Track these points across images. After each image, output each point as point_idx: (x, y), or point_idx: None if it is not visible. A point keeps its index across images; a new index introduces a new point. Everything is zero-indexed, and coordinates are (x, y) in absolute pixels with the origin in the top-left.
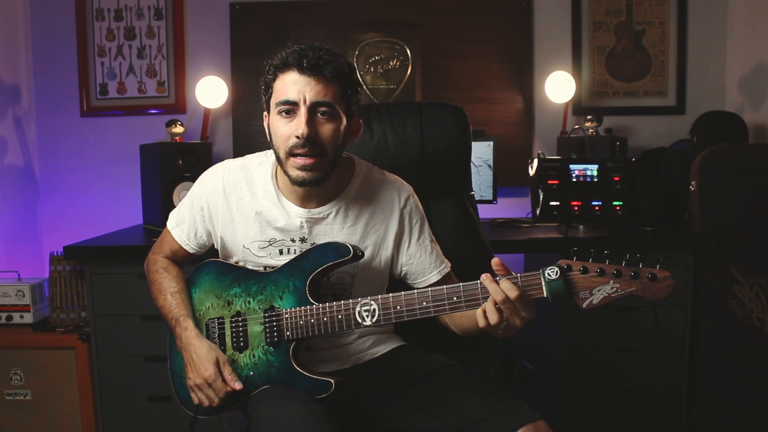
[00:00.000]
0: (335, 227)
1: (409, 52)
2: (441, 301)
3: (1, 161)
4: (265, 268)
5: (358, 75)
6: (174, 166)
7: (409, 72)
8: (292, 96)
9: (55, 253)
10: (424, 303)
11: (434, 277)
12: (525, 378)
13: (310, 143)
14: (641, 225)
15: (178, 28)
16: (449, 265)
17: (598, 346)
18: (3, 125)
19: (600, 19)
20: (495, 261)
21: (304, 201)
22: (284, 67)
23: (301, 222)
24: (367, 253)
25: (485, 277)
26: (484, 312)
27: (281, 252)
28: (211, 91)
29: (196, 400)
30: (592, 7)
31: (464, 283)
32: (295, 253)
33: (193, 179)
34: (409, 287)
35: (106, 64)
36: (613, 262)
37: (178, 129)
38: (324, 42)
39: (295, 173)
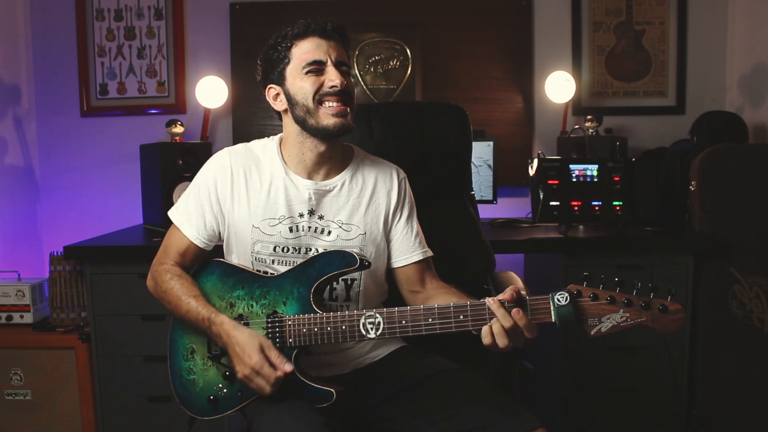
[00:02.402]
0: (341, 199)
1: (409, 52)
2: (447, 318)
3: (1, 161)
4: (275, 248)
5: (358, 75)
6: (174, 166)
7: (409, 72)
8: (320, 56)
9: (55, 253)
10: (430, 319)
11: (417, 257)
12: (525, 378)
13: (342, 92)
14: (641, 225)
15: (178, 28)
16: (431, 253)
17: (597, 346)
18: (3, 125)
19: (600, 19)
20: (511, 291)
21: (311, 174)
22: (305, 34)
23: (309, 194)
24: (372, 225)
25: (492, 302)
26: (491, 332)
27: (291, 230)
28: (211, 91)
29: (253, 386)
30: (592, 7)
31: (471, 302)
32: (304, 230)
33: (193, 179)
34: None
35: (106, 64)
36: (624, 290)
37: (178, 129)
38: None
39: (332, 121)
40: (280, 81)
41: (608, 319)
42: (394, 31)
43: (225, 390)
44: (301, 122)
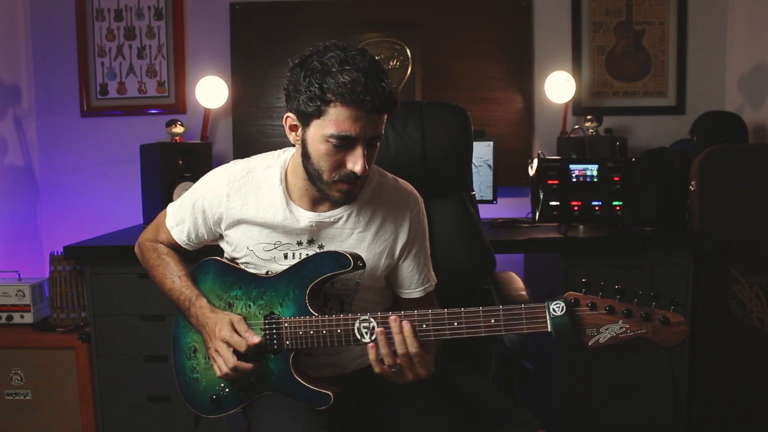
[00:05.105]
0: (345, 232)
1: (409, 52)
2: (441, 325)
3: (1, 161)
4: (267, 273)
5: None
6: (174, 166)
7: (409, 72)
8: (354, 133)
9: (55, 253)
10: (424, 325)
11: (417, 294)
12: (525, 378)
13: (360, 178)
14: (641, 225)
15: (178, 28)
16: (434, 282)
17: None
18: (3, 125)
19: (600, 19)
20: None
21: (314, 205)
22: (349, 102)
23: (311, 225)
24: (374, 261)
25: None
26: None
27: (286, 256)
28: (211, 91)
29: (218, 373)
30: (592, 7)
31: (465, 309)
32: (300, 257)
33: (193, 179)
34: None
35: (106, 64)
36: (625, 298)
37: (178, 129)
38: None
39: (338, 195)
40: (304, 123)
41: (607, 329)
42: (394, 31)
43: (227, 390)
44: (309, 174)
